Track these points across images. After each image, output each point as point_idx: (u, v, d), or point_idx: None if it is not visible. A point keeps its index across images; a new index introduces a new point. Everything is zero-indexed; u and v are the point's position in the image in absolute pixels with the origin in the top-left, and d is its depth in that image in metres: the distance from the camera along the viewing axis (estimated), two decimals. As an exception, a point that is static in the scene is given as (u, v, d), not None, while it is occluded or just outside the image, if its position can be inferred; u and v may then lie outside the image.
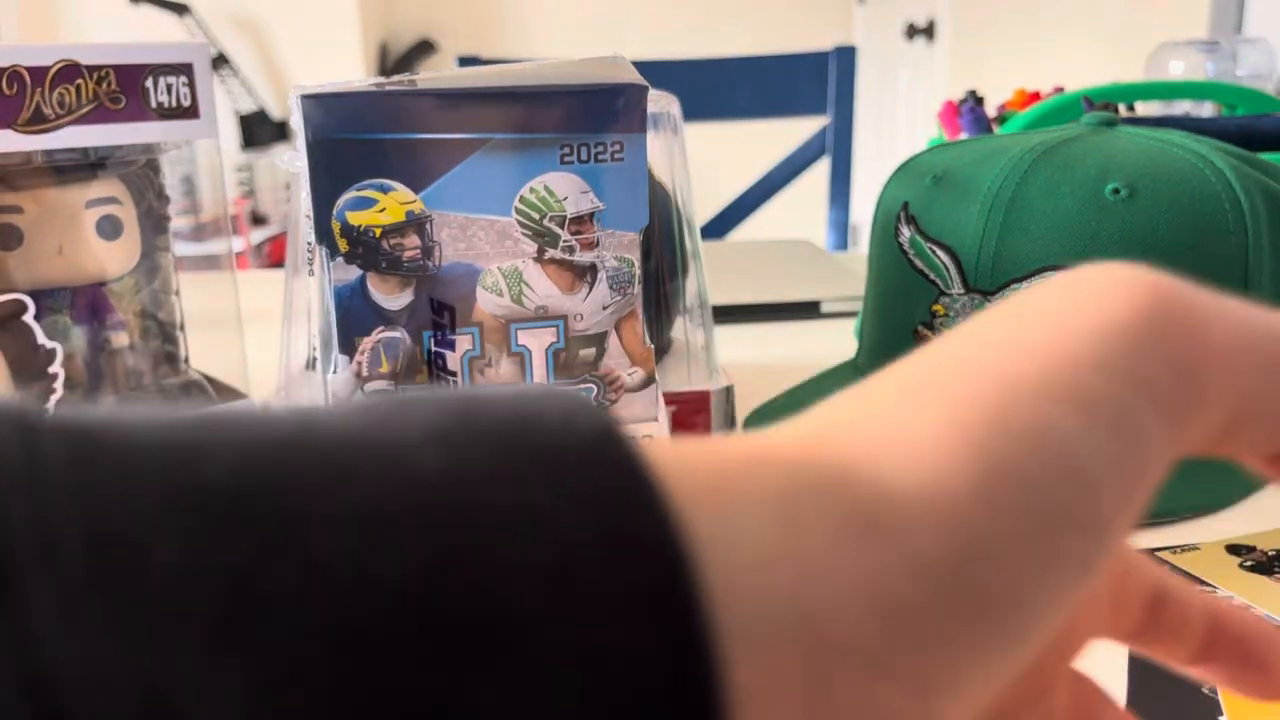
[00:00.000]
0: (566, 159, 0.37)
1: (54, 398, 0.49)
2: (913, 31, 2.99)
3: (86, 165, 0.52)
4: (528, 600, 0.11)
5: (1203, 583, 0.41)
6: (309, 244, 0.38)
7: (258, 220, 3.08)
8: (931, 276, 0.55)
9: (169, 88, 0.51)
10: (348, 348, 0.37)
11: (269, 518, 0.11)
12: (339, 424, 0.12)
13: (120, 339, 0.54)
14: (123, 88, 0.50)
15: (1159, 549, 0.44)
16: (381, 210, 0.37)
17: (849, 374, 0.63)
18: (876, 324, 0.60)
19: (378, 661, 0.10)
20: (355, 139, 0.36)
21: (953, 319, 0.55)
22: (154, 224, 0.55)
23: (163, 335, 0.56)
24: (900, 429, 0.15)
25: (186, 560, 0.10)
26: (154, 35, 2.92)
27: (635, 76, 0.38)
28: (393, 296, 0.37)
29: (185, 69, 0.51)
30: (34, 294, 0.49)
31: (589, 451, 0.12)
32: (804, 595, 0.12)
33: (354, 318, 0.37)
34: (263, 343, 0.64)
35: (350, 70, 3.17)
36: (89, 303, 0.52)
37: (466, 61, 1.42)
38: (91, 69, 0.49)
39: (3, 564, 0.10)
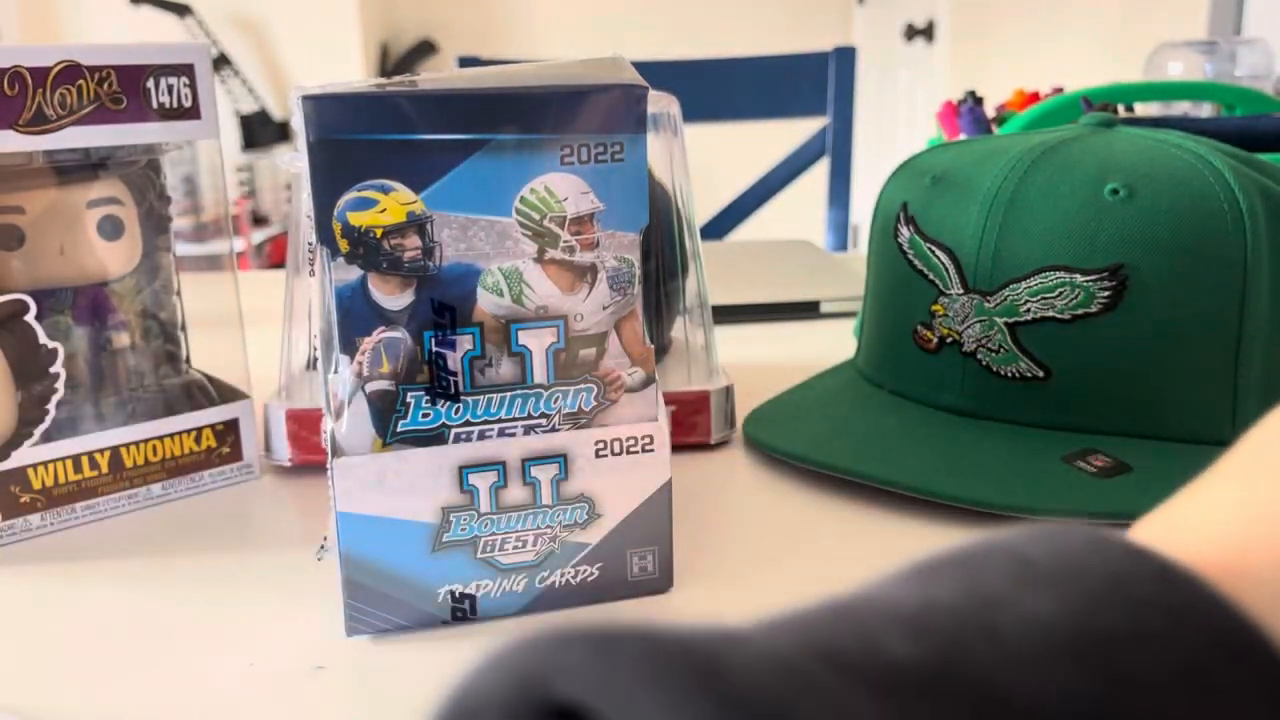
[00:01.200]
0: (567, 160, 0.37)
1: (55, 398, 0.49)
2: (912, 32, 2.99)
3: (88, 165, 0.52)
4: (1175, 708, 0.13)
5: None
6: (310, 244, 0.38)
7: (259, 220, 3.08)
8: (931, 277, 0.55)
9: (170, 88, 0.51)
10: (349, 348, 0.37)
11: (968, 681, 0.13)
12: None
13: (122, 339, 0.54)
14: (124, 88, 0.50)
15: (1157, 548, 0.44)
16: (382, 211, 0.37)
17: (848, 374, 0.63)
18: (876, 324, 0.61)
19: None
20: (356, 139, 0.36)
21: (951, 319, 0.55)
22: (155, 224, 0.55)
23: (164, 335, 0.56)
24: None
25: None
26: (155, 36, 2.92)
27: (635, 77, 0.38)
28: (393, 297, 0.37)
29: (186, 69, 0.52)
30: (35, 294, 0.49)
31: (1150, 573, 0.15)
32: None
33: (354, 318, 0.37)
34: (264, 343, 0.64)
35: (351, 70, 3.17)
36: (90, 303, 0.53)
37: (467, 62, 1.42)
38: (93, 69, 0.49)
39: None
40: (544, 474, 0.39)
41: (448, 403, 0.38)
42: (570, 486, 0.40)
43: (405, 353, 0.37)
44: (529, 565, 0.40)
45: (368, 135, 0.36)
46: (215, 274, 0.57)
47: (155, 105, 0.51)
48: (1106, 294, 0.52)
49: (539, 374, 0.39)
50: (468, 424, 0.38)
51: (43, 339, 0.49)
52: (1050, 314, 0.52)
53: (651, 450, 0.40)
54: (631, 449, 0.40)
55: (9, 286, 0.49)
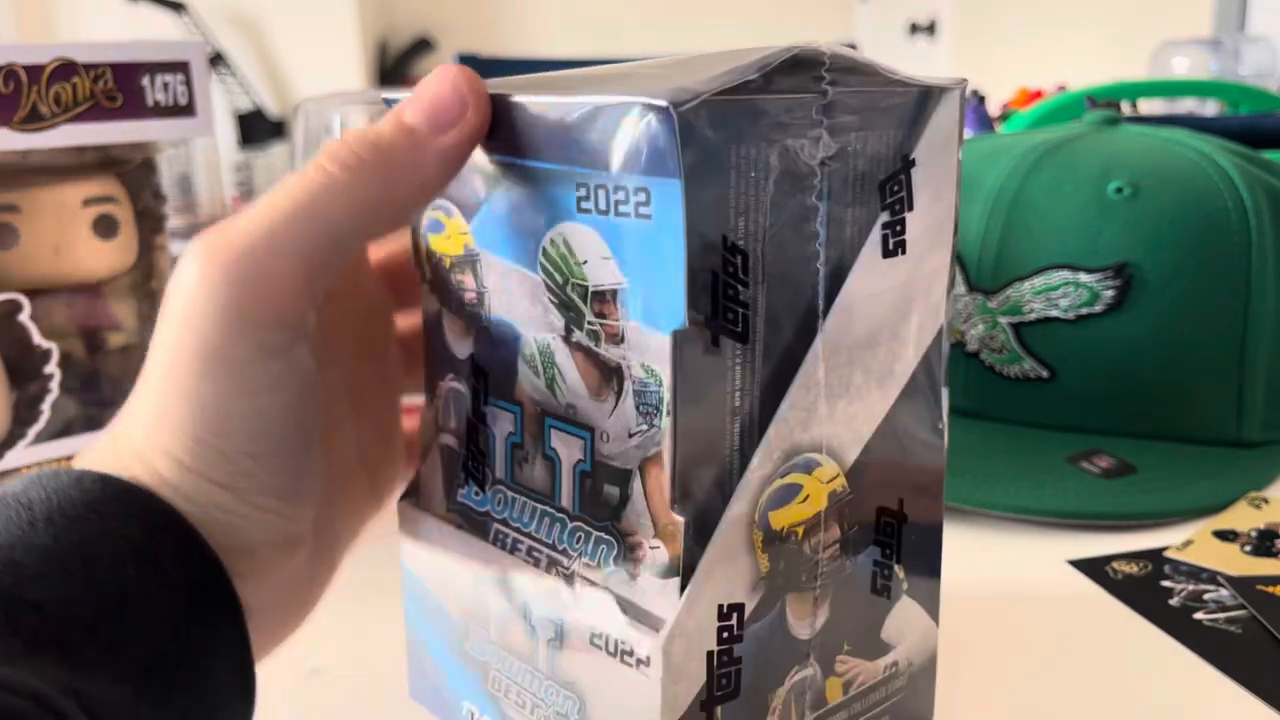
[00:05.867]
0: (584, 205, 0.25)
1: (49, 398, 0.49)
2: (915, 29, 2.98)
3: (83, 164, 0.51)
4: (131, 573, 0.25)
5: (1217, 573, 0.41)
6: None
7: (257, 218, 3.07)
8: (933, 276, 0.55)
9: (166, 86, 0.51)
10: (430, 388, 0.31)
11: None
12: None
13: (117, 338, 0.53)
14: (119, 86, 0.49)
15: (1162, 548, 0.44)
16: (448, 237, 0.29)
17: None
18: (878, 323, 0.60)
19: None
20: None
21: (954, 319, 0.54)
22: (151, 223, 0.54)
23: (160, 335, 0.55)
24: None
25: None
26: (151, 33, 2.92)
27: (708, 86, 0.23)
28: (459, 342, 0.30)
29: (182, 67, 0.51)
30: (29, 293, 0.48)
31: (104, 492, 0.25)
32: None
33: (434, 356, 0.31)
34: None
35: (349, 68, 3.17)
36: (85, 302, 0.52)
37: (465, 59, 1.41)
38: (88, 67, 0.48)
39: None
40: (543, 629, 0.28)
41: (474, 487, 0.30)
42: (563, 663, 0.28)
43: (464, 412, 0.30)
44: None
45: None
46: (212, 273, 0.57)
47: (151, 103, 0.50)
48: (1111, 293, 0.51)
49: (565, 495, 0.28)
50: (506, 524, 0.29)
51: (37, 339, 0.48)
52: (1054, 314, 0.52)
53: (645, 675, 0.25)
54: (626, 658, 0.26)
55: (2, 285, 0.48)
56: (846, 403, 0.27)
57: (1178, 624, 0.38)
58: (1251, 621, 0.38)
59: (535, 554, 0.28)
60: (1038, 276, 0.52)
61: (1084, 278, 0.51)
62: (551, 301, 0.27)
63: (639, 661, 0.26)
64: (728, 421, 0.25)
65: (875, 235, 0.27)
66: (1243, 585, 0.41)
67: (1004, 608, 0.35)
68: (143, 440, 0.25)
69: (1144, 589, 0.41)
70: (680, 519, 0.25)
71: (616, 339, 0.25)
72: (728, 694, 0.26)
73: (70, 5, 3.15)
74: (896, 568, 0.30)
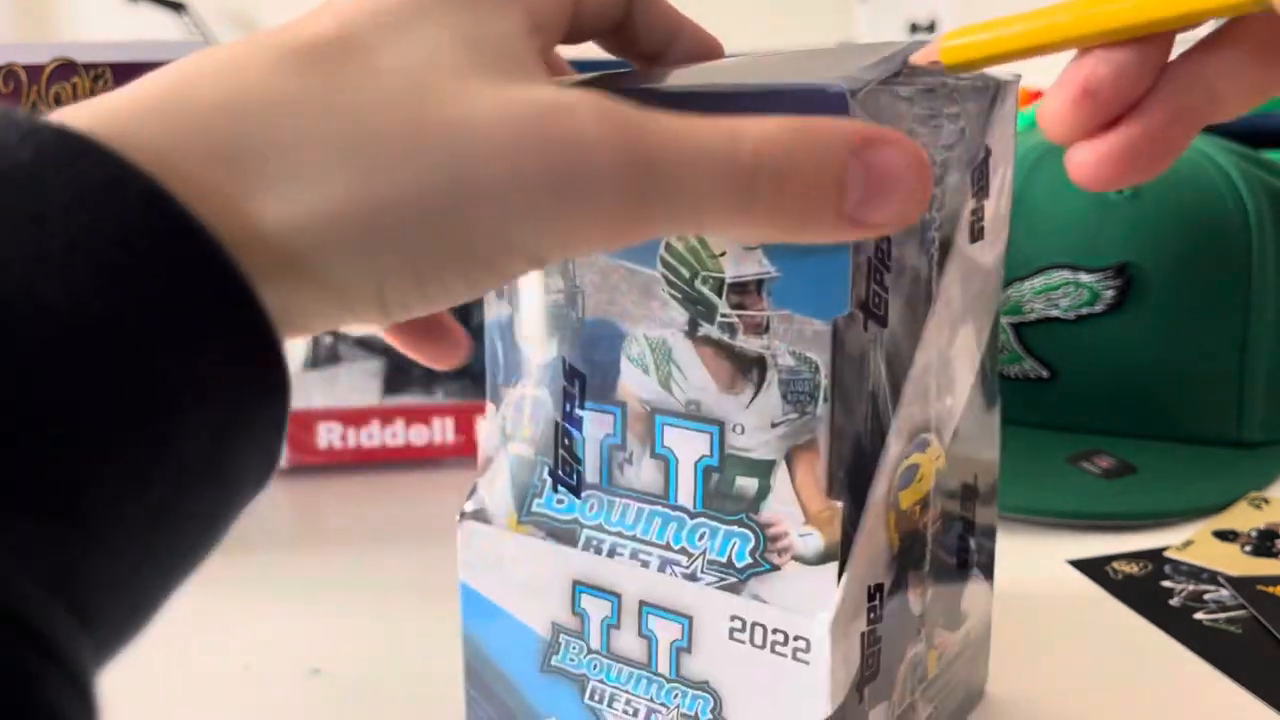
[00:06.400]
0: None
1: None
2: (915, 29, 2.99)
3: (83, 164, 0.51)
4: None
5: (1217, 574, 0.41)
6: None
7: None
8: (934, 276, 0.55)
9: (166, 86, 0.51)
10: (495, 395, 0.30)
11: None
12: None
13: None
14: (119, 86, 0.49)
15: (1162, 548, 0.44)
16: None
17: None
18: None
19: None
20: None
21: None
22: (151, 223, 0.55)
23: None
24: None
25: None
26: (151, 33, 2.92)
27: (852, 80, 0.23)
28: (539, 347, 0.29)
29: (182, 67, 0.51)
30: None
31: (42, 140, 0.16)
32: None
33: (500, 362, 0.30)
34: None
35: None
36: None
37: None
38: (88, 67, 0.48)
39: None
40: (663, 632, 0.28)
41: (561, 494, 0.29)
42: (693, 664, 0.27)
43: (546, 418, 0.29)
44: None
45: None
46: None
47: (151, 103, 0.50)
48: (1111, 293, 0.51)
49: (684, 493, 0.27)
50: (601, 529, 0.29)
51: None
52: (1054, 314, 0.52)
53: (805, 662, 0.25)
54: (779, 648, 0.26)
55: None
56: (945, 380, 0.29)
57: (1178, 624, 0.38)
58: (1251, 621, 0.38)
59: (643, 556, 0.28)
60: (1038, 276, 0.52)
61: (1084, 278, 0.51)
62: (673, 296, 0.26)
63: (796, 650, 0.26)
64: (868, 406, 0.26)
65: (964, 220, 0.28)
66: (1243, 585, 0.41)
67: (1004, 608, 0.35)
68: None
69: (1144, 589, 0.41)
70: (839, 504, 0.25)
71: (759, 329, 0.25)
72: (872, 674, 0.27)
73: (70, 5, 3.14)
74: (971, 540, 0.32)
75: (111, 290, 0.15)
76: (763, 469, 0.26)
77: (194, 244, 0.16)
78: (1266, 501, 0.48)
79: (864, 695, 0.26)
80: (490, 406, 0.30)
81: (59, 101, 0.48)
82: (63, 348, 0.15)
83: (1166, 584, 0.41)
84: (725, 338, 0.26)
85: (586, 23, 0.25)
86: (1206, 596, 0.40)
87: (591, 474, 0.29)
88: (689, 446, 0.27)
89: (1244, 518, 0.46)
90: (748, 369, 0.26)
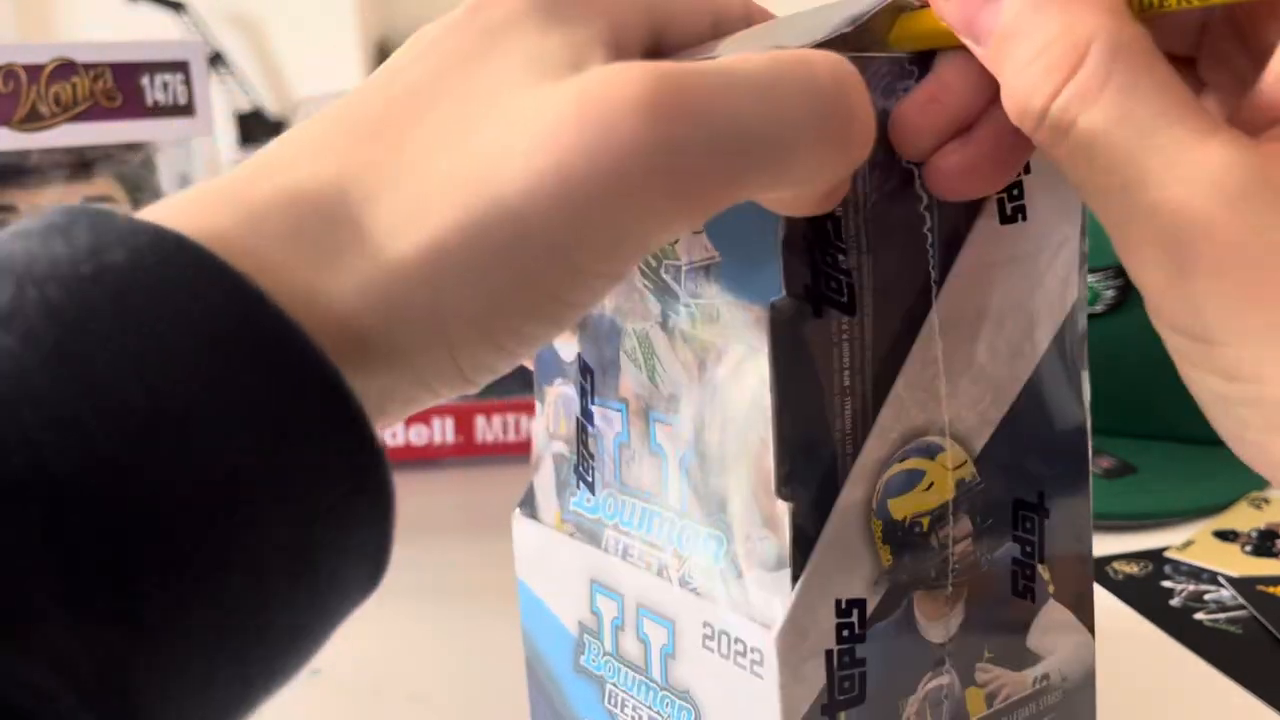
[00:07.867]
0: None
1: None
2: None
3: (82, 164, 0.51)
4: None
5: (1218, 573, 0.41)
6: None
7: (256, 218, 3.07)
8: (933, 276, 0.55)
9: (165, 85, 0.51)
10: (540, 395, 0.30)
11: None
12: None
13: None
14: (119, 86, 0.49)
15: (1162, 548, 0.44)
16: None
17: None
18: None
19: None
20: None
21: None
22: (151, 223, 0.54)
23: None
24: None
25: None
26: (151, 33, 2.92)
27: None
28: (566, 344, 0.29)
29: (182, 67, 0.51)
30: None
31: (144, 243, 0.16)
32: None
33: (542, 362, 0.30)
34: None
35: (349, 68, 3.17)
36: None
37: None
38: (88, 67, 0.48)
39: None
40: (654, 636, 0.26)
41: (585, 492, 0.29)
42: (677, 670, 0.26)
43: (572, 415, 0.29)
44: None
45: None
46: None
47: (150, 103, 0.50)
48: (1112, 293, 0.51)
49: (673, 492, 0.26)
50: (617, 528, 0.28)
51: (37, 339, 0.48)
52: (1054, 313, 0.52)
53: (760, 676, 0.23)
54: (739, 659, 0.24)
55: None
56: (970, 381, 0.25)
57: (1178, 624, 0.38)
58: (1251, 621, 0.38)
59: (646, 558, 0.26)
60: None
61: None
62: (646, 286, 0.25)
63: (753, 662, 0.23)
64: (838, 402, 0.23)
65: (991, 200, 0.25)
66: (1243, 585, 0.41)
67: (1004, 608, 0.35)
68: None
69: (1144, 589, 0.41)
70: (785, 505, 0.23)
71: (712, 318, 0.24)
72: (852, 698, 0.24)
73: (70, 5, 3.15)
74: (1040, 568, 0.26)
75: (209, 393, 0.15)
76: (729, 466, 0.24)
77: (294, 350, 0.16)
78: (1266, 501, 0.48)
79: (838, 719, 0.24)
80: (538, 405, 0.30)
81: (59, 101, 0.48)
82: (145, 447, 0.14)
83: (1167, 584, 0.41)
84: (689, 328, 0.24)
85: (668, 49, 0.23)
86: (1207, 596, 0.40)
87: (606, 472, 0.28)
88: (673, 444, 0.25)
89: (1244, 518, 0.46)
90: (708, 359, 0.24)
